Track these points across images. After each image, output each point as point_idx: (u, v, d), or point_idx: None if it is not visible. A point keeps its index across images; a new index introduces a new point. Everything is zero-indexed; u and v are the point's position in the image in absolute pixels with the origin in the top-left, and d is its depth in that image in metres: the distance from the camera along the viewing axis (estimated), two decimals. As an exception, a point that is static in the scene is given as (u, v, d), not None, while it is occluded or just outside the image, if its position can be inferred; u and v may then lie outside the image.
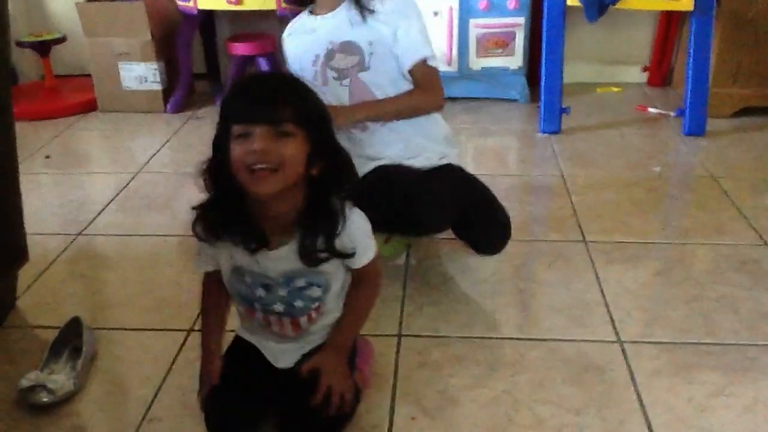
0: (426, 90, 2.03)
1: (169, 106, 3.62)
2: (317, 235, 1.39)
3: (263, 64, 3.50)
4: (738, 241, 2.27)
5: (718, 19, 3.07)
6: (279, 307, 1.47)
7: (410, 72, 2.00)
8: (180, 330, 1.87)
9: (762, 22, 3.15)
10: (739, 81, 3.27)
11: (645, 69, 3.89)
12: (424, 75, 2.01)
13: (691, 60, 3.03)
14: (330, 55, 2.00)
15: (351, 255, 1.43)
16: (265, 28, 3.72)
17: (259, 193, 1.33)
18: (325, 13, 2.03)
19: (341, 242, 1.41)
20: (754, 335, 1.82)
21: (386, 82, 2.00)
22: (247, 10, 3.40)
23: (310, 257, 1.40)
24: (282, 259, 1.41)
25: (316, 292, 1.46)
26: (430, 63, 2.02)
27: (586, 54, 3.85)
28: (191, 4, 3.40)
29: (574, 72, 3.67)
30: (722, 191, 2.62)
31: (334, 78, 2.01)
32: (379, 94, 2.00)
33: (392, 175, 1.97)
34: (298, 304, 1.46)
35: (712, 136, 3.12)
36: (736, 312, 1.91)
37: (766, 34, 3.16)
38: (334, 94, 1.98)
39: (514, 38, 3.49)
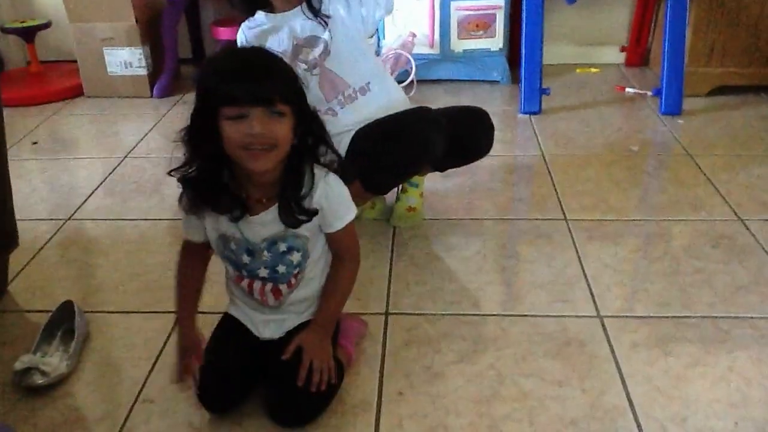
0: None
1: (155, 91, 3.62)
2: (293, 197, 1.43)
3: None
4: (713, 217, 2.31)
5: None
6: (263, 272, 1.51)
7: None
8: (170, 312, 1.87)
9: (736, 1, 3.18)
10: (714, 60, 3.30)
11: (623, 49, 3.92)
12: None
13: (667, 40, 3.06)
14: (296, 50, 2.05)
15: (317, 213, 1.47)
16: (249, 12, 3.72)
17: (255, 171, 1.37)
18: (285, 11, 2.06)
19: (318, 203, 1.45)
20: (729, 308, 1.86)
21: (349, 61, 2.07)
22: (232, -6, 3.39)
23: (289, 218, 1.44)
24: (263, 224, 1.46)
25: (296, 257, 1.51)
26: None
27: (565, 35, 3.87)
28: (175, -12, 3.40)
29: (553, 53, 3.71)
30: (698, 169, 2.66)
31: (304, 69, 2.05)
32: (346, 75, 2.07)
33: (374, 127, 2.07)
34: (281, 269, 1.51)
35: (688, 114, 3.16)
36: (711, 286, 1.96)
37: (740, 14, 3.20)
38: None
39: (494, 20, 3.51)
